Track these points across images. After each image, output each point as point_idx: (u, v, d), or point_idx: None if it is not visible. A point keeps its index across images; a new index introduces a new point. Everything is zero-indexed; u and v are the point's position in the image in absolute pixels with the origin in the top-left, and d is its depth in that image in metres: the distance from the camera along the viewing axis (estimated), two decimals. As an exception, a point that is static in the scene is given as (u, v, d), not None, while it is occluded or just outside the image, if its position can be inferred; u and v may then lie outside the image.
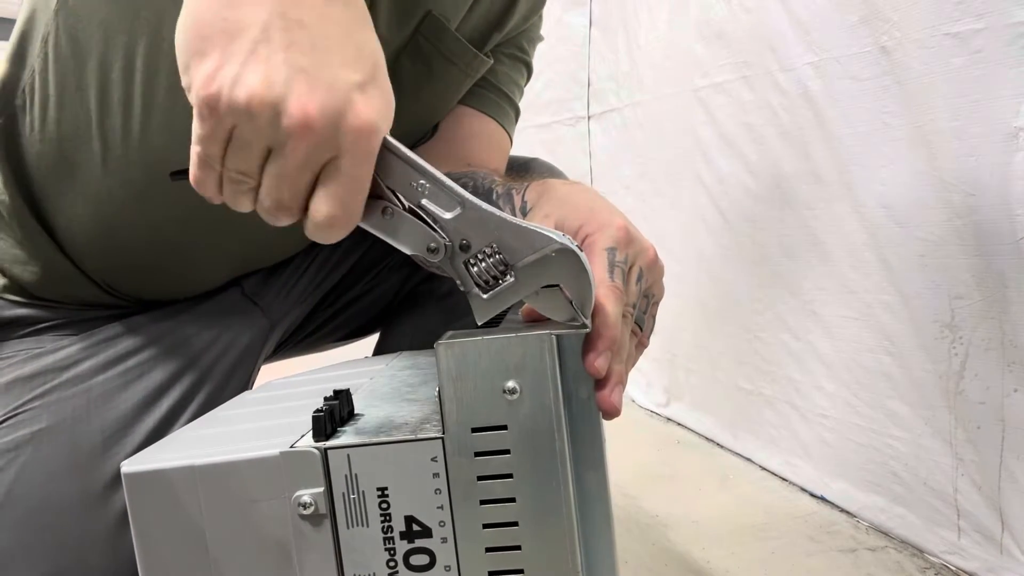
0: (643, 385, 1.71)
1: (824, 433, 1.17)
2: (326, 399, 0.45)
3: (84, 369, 0.65)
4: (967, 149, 0.88)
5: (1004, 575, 0.90)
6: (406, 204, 0.41)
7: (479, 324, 0.43)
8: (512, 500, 0.41)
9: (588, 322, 0.43)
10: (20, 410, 0.62)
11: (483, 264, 0.41)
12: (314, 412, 0.42)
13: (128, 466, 0.43)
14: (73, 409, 0.63)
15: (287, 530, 0.42)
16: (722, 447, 1.43)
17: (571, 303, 0.42)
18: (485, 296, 0.42)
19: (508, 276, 0.41)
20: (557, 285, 0.42)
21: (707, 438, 1.48)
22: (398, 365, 0.63)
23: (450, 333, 0.43)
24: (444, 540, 0.42)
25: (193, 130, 0.39)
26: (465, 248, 0.41)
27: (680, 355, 1.54)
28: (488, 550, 0.42)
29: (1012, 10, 0.82)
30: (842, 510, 1.13)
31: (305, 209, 0.39)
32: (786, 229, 1.20)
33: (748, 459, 1.35)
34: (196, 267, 0.71)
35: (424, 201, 0.41)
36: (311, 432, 0.43)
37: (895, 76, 0.96)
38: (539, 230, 0.41)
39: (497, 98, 0.81)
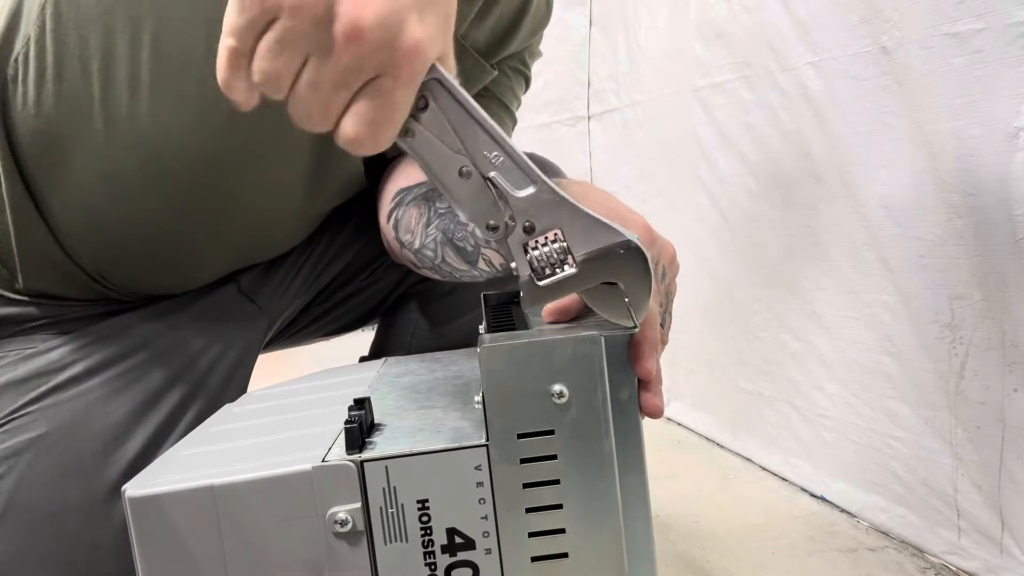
0: (643, 385, 1.70)
1: (824, 433, 1.17)
2: (350, 409, 0.43)
3: (78, 371, 0.63)
4: (967, 149, 0.88)
5: (1004, 575, 0.90)
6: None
7: (525, 309, 0.42)
8: (559, 507, 0.40)
9: (638, 324, 0.41)
10: (16, 415, 0.60)
11: (544, 249, 0.40)
12: (345, 423, 0.40)
13: (133, 489, 0.40)
14: (72, 414, 0.61)
15: (318, 549, 0.39)
16: (722, 447, 1.43)
17: (627, 303, 0.41)
18: (540, 283, 0.40)
19: (567, 266, 0.40)
20: (615, 283, 0.41)
21: (707, 438, 1.48)
22: (392, 372, 0.61)
23: (489, 336, 0.41)
24: (488, 551, 0.40)
25: (227, 19, 0.34)
26: (528, 230, 0.39)
27: (680, 355, 1.53)
28: (534, 559, 0.40)
29: (1012, 10, 0.81)
30: (842, 510, 1.13)
31: (336, 123, 0.36)
32: (786, 229, 1.20)
33: (748, 459, 1.35)
34: (194, 258, 0.69)
35: (494, 174, 0.39)
36: (336, 444, 0.41)
37: (895, 76, 0.96)
38: (611, 224, 0.40)
39: (497, 108, 0.80)
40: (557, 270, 0.40)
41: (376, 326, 0.91)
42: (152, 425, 0.64)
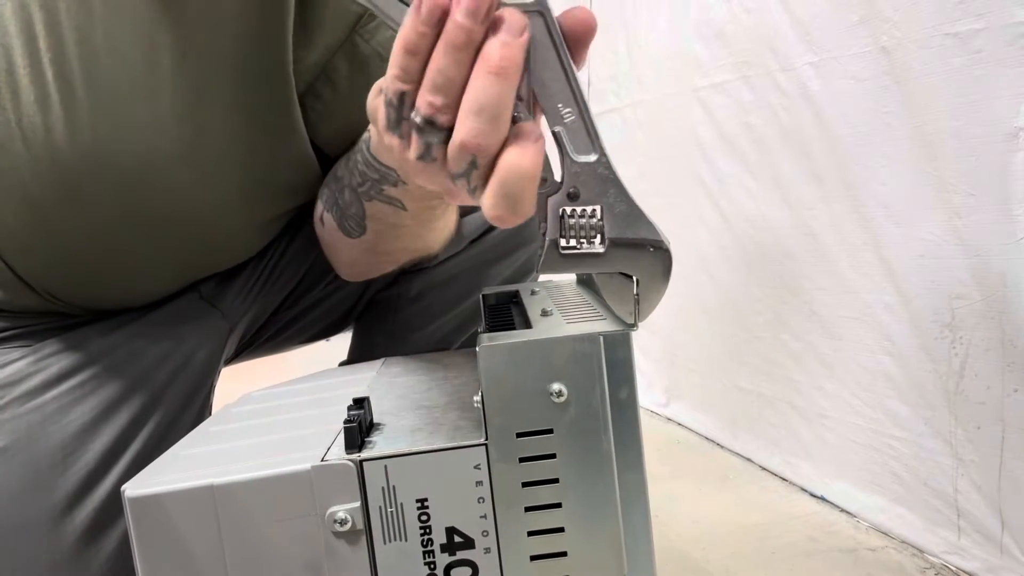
0: (643, 385, 1.70)
1: (824, 433, 1.17)
2: (349, 409, 0.43)
3: (35, 384, 0.63)
4: (967, 149, 0.88)
5: (1004, 575, 0.90)
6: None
7: (537, 273, 0.41)
8: (558, 506, 0.40)
9: (638, 324, 0.42)
10: None
11: (580, 221, 0.39)
12: (344, 422, 0.40)
13: (132, 489, 0.40)
14: (28, 427, 0.61)
15: (318, 549, 0.39)
16: (722, 447, 1.43)
17: (636, 300, 0.41)
18: (563, 251, 0.40)
19: (596, 243, 0.40)
20: (631, 277, 0.41)
21: (707, 438, 1.48)
22: (391, 372, 0.61)
23: (488, 335, 0.41)
24: (487, 551, 0.40)
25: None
26: (572, 197, 0.39)
27: (680, 355, 1.53)
28: (533, 558, 0.40)
29: (1012, 10, 0.81)
30: (842, 510, 1.13)
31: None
32: (786, 229, 1.20)
33: (748, 459, 1.35)
34: (140, 274, 0.68)
35: (559, 130, 0.38)
36: (335, 444, 0.41)
37: (895, 76, 0.96)
38: (650, 220, 0.40)
39: None
40: (584, 244, 0.40)
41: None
42: (110, 434, 0.64)
